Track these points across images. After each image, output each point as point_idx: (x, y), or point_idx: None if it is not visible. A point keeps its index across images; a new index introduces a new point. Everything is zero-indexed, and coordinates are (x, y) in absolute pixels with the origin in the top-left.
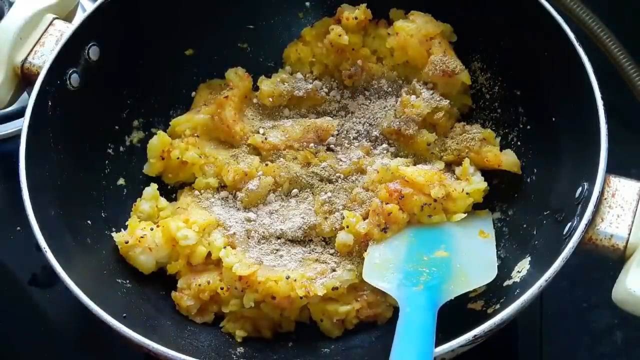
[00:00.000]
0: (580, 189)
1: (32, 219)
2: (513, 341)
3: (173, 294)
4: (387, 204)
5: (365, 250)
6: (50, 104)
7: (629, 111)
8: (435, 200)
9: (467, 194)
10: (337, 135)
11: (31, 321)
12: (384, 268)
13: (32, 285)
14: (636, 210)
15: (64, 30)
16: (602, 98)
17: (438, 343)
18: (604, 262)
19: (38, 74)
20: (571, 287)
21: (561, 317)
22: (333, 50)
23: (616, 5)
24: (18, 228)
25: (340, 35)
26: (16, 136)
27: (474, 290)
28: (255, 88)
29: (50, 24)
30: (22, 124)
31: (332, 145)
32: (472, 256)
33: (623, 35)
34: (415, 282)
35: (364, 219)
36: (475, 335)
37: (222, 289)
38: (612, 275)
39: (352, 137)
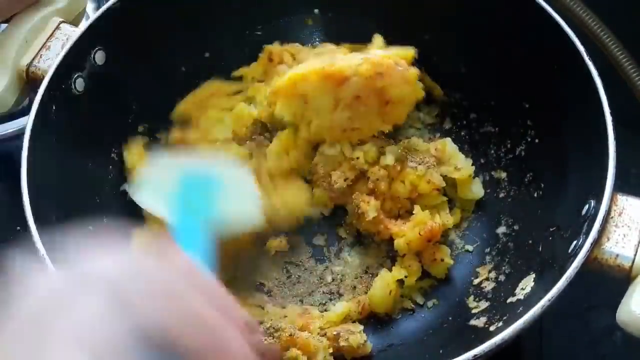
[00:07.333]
0: (587, 206)
1: (34, 231)
2: (513, 341)
3: None
4: None
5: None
6: (54, 108)
7: (629, 111)
8: None
9: None
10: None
11: None
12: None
13: None
14: None
15: (70, 34)
16: (611, 114)
17: None
18: None
19: (43, 77)
20: (571, 287)
21: (561, 317)
22: None
23: (616, 5)
24: (18, 228)
25: None
26: (17, 135)
27: (477, 306)
28: None
29: (57, 27)
30: (24, 123)
31: None
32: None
33: (623, 35)
34: None
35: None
36: (475, 356)
37: None
38: (612, 276)
39: None
